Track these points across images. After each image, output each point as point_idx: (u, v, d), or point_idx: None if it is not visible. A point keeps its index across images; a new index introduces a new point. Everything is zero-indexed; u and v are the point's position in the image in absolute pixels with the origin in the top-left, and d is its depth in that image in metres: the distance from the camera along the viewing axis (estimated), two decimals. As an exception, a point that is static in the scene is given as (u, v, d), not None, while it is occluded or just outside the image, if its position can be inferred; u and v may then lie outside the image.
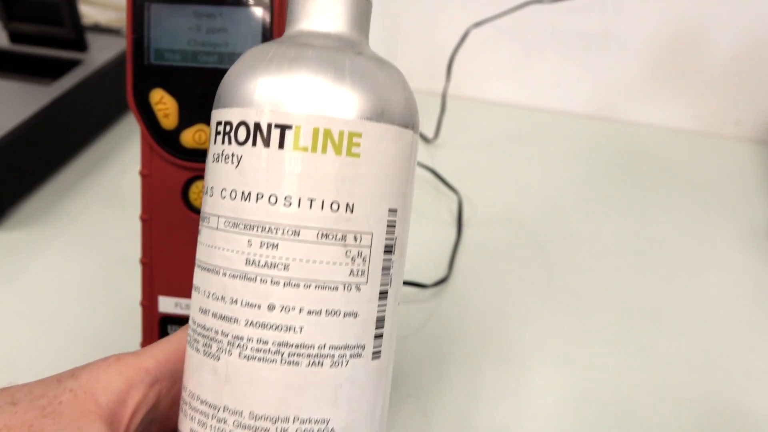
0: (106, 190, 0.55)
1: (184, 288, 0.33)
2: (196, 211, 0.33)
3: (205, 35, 0.32)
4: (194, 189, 0.32)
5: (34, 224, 0.51)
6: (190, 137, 0.32)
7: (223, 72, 0.31)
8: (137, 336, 0.37)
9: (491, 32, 0.64)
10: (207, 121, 0.31)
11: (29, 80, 0.60)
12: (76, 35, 0.62)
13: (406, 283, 0.45)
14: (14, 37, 0.64)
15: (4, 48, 0.64)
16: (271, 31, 0.31)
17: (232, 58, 0.31)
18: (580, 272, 0.49)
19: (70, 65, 0.61)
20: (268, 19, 0.31)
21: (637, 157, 0.63)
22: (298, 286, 0.22)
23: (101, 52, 0.64)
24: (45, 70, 0.62)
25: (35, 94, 0.56)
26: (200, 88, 0.32)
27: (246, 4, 0.31)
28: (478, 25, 0.60)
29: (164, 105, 0.32)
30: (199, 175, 0.32)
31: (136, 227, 0.37)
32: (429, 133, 0.63)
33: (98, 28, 0.69)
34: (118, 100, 0.65)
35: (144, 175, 0.33)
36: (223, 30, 0.31)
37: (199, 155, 0.32)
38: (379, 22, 0.69)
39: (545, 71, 0.68)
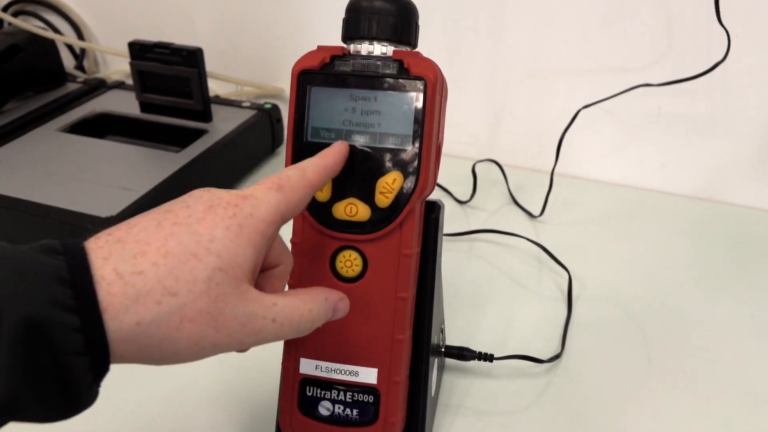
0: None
1: (326, 351, 0.35)
2: (342, 278, 0.34)
3: (360, 116, 0.34)
4: (341, 258, 0.34)
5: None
6: (341, 209, 0.34)
7: (376, 150, 0.34)
8: (275, 396, 0.39)
9: (597, 112, 0.65)
10: (358, 195, 0.34)
11: (160, 147, 0.64)
12: (204, 107, 0.67)
13: (522, 357, 0.46)
14: (144, 107, 0.70)
15: (139, 116, 0.69)
16: (423, 114, 0.33)
17: (384, 138, 0.34)
18: (695, 354, 0.48)
19: (197, 134, 0.66)
20: (420, 102, 0.33)
21: (747, 240, 0.62)
22: None
23: (223, 123, 0.68)
24: (173, 138, 0.66)
25: (167, 160, 0.61)
26: (352, 165, 0.34)
27: (401, 90, 0.33)
28: (587, 106, 0.62)
29: (319, 179, 0.34)
30: (347, 245, 0.34)
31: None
32: (535, 209, 0.64)
33: (218, 100, 0.74)
34: (239, 167, 0.69)
35: (295, 243, 0.35)
36: (376, 112, 0.34)
37: (348, 226, 0.34)
38: (486, 99, 0.72)
39: (650, 152, 0.68)
